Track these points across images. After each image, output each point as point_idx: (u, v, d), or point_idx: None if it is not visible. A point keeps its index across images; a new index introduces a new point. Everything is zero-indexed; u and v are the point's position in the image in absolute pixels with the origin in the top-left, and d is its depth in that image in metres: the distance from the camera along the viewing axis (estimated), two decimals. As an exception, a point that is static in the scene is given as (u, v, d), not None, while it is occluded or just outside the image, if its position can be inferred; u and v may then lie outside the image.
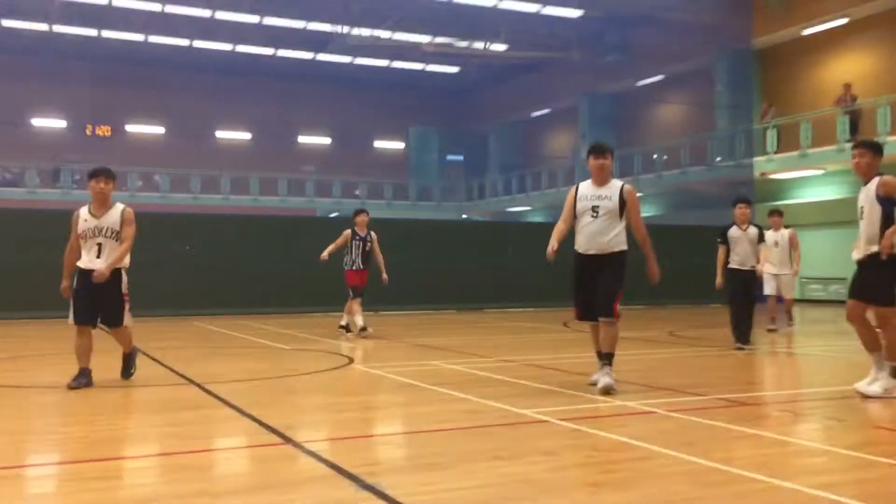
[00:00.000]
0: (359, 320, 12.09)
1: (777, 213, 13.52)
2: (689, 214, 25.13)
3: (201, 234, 18.64)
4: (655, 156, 30.87)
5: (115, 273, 6.95)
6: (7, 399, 6.68)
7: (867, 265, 6.33)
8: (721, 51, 29.11)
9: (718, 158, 28.09)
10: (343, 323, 12.48)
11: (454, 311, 19.55)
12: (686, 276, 18.50)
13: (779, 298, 13.27)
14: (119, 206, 7.10)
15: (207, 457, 4.70)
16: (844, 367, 8.94)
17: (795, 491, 3.70)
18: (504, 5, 31.30)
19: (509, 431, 5.12)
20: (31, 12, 31.67)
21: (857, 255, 6.44)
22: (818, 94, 26.10)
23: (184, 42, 35.26)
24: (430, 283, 19.76)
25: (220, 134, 41.04)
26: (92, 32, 33.86)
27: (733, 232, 10.47)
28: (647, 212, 24.90)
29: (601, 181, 6.78)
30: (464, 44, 35.26)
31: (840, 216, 20.82)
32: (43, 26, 32.82)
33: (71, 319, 6.96)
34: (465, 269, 20.31)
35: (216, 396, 6.52)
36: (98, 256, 6.93)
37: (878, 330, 6.39)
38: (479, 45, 35.50)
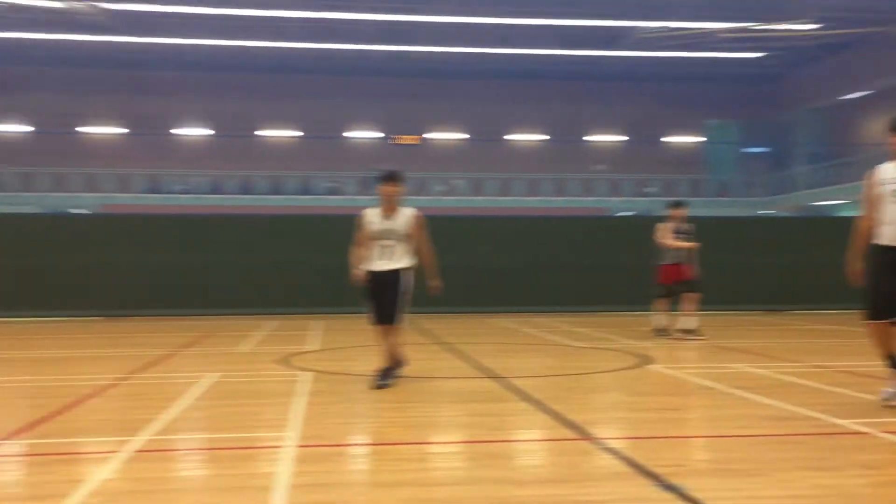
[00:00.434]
0: (681, 322, 11.37)
1: None
2: None
3: (495, 236, 19.31)
4: None
5: (396, 274, 7.03)
6: (335, 385, 7.46)
7: None
8: None
9: None
10: (690, 326, 11.39)
11: (752, 313, 18.47)
12: None
13: None
14: (408, 210, 7.16)
15: (510, 447, 4.93)
16: None
17: None
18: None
19: (823, 441, 4.78)
20: (345, 33, 34.99)
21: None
22: None
23: (484, 50, 36.77)
24: (726, 281, 18.84)
25: (514, 137, 42.32)
26: (402, 48, 36.53)
27: None
28: None
29: None
30: (765, 27, 33.13)
31: None
32: (356, 46, 36.06)
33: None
34: (764, 268, 19.06)
35: (515, 390, 6.78)
36: (386, 258, 7.02)
37: None
38: (782, 26, 33.15)
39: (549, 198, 37.12)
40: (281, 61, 38.23)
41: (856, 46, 34.34)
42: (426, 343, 11.34)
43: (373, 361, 7.85)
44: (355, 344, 11.08)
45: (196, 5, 31.66)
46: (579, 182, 37.87)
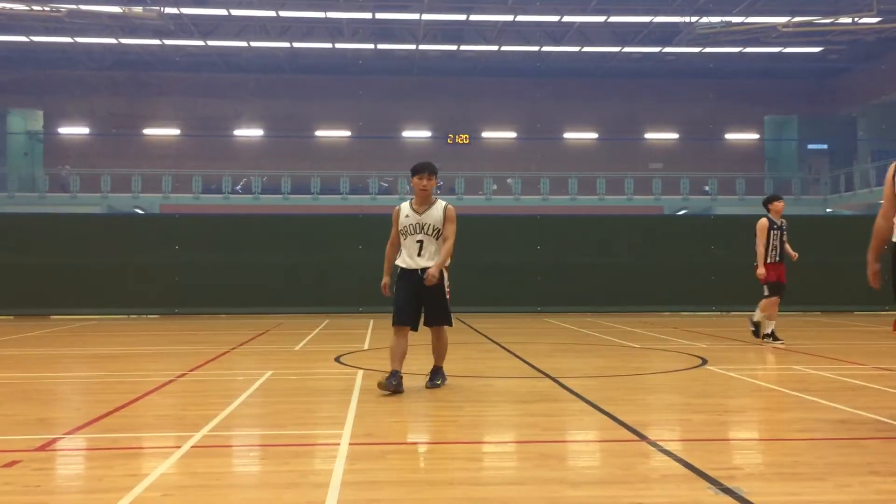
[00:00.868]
0: (770, 324, 10.63)
1: None
2: None
3: (548, 235, 19.20)
4: None
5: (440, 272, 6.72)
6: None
7: None
8: None
9: None
10: (767, 330, 10.69)
11: (812, 314, 18.04)
12: None
13: None
14: (441, 203, 6.83)
15: (564, 447, 4.89)
16: None
17: None
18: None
19: (887, 446, 4.63)
20: (400, 34, 35.18)
21: None
22: None
23: (539, 48, 36.62)
24: (791, 282, 18.44)
25: (568, 135, 42.02)
26: (455, 48, 36.60)
27: None
28: None
29: None
30: (826, 21, 32.31)
31: None
32: (409, 46, 36.25)
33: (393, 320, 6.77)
34: (825, 268, 18.57)
35: (570, 390, 6.73)
36: (419, 254, 6.69)
37: None
38: (845, 20, 32.30)
39: (604, 196, 36.78)
40: (335, 62, 38.62)
41: (921, 39, 33.34)
42: (481, 342, 11.32)
43: (420, 360, 7.86)
44: (408, 343, 11.10)
45: (251, 8, 32.16)
46: (635, 181, 37.43)
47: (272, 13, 32.27)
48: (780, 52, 37.31)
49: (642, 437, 4.84)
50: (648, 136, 42.02)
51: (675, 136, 41.93)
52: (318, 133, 41.12)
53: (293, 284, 18.00)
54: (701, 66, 38.38)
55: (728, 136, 42.03)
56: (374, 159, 39.15)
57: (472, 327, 14.10)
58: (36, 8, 30.75)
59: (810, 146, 40.49)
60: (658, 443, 4.69)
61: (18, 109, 38.89)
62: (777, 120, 40.60)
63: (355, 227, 18.62)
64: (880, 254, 5.31)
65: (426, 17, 32.88)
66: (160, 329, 14.69)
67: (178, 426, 5.30)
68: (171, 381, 7.42)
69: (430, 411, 6.01)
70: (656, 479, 3.92)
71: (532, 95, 39.76)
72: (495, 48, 36.58)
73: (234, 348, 10.57)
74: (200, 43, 35.41)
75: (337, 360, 9.12)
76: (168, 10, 31.39)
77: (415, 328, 6.78)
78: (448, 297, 6.79)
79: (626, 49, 37.10)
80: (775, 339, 10.58)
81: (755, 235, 10.55)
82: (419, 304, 6.71)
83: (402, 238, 6.76)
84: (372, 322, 14.93)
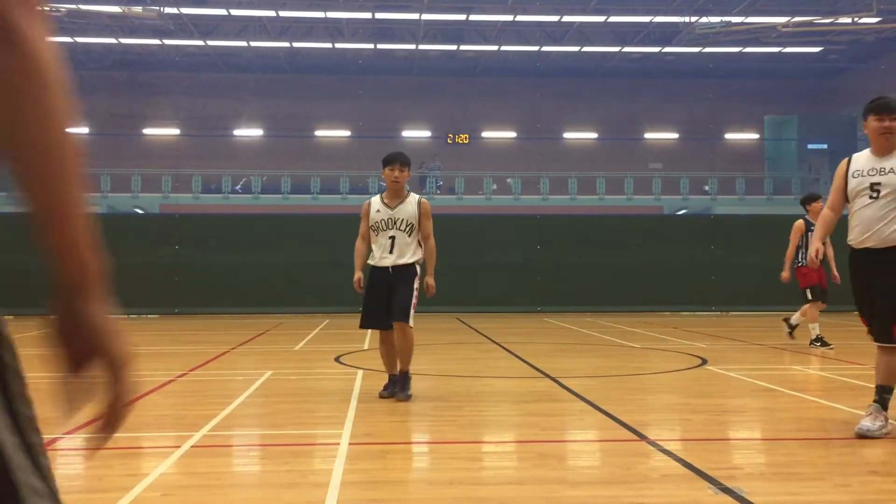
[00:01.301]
0: (816, 328, 10.09)
1: None
2: None
3: (548, 235, 19.23)
4: None
5: (411, 268, 6.28)
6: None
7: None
8: None
9: None
10: (813, 336, 10.13)
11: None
12: None
13: None
14: (414, 197, 6.44)
15: (564, 447, 4.89)
16: None
17: None
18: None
19: (887, 446, 4.64)
20: (400, 34, 35.19)
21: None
22: None
23: (533, 48, 36.69)
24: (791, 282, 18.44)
25: (568, 135, 42.02)
26: (451, 47, 36.63)
27: None
28: None
29: (885, 149, 5.06)
30: (827, 20, 32.32)
31: None
32: (409, 46, 36.25)
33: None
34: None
35: (570, 390, 6.73)
36: (390, 252, 6.26)
37: None
38: (845, 20, 32.32)
39: (604, 196, 36.79)
40: (335, 62, 38.63)
41: (921, 39, 33.34)
42: (480, 342, 11.33)
43: (423, 360, 7.87)
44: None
45: (251, 8, 32.17)
46: (635, 181, 37.44)
47: (272, 13, 32.25)
48: (780, 52, 37.30)
49: (642, 437, 4.84)
50: (648, 136, 42.01)
51: (675, 136, 41.93)
52: (318, 133, 41.10)
53: (293, 284, 18.00)
54: (701, 66, 38.37)
55: (728, 135, 42.03)
56: (374, 159, 38.75)
57: (472, 327, 14.10)
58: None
59: (810, 146, 40.46)
60: (658, 443, 4.69)
61: (18, 109, 38.78)
62: (777, 120, 40.60)
63: (355, 227, 18.55)
64: (824, 237, 5.55)
65: (426, 17, 32.86)
66: (160, 329, 14.69)
67: (178, 426, 5.31)
68: (170, 381, 7.42)
69: (430, 411, 6.01)
70: (656, 479, 3.92)
71: (532, 95, 39.73)
72: (495, 48, 36.57)
73: (233, 348, 10.57)
74: (200, 43, 35.39)
75: (337, 360, 9.12)
76: (168, 9, 31.36)
77: (388, 328, 6.27)
78: (416, 295, 6.24)
79: (626, 49, 37.07)
80: (824, 343, 9.96)
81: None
82: (389, 304, 6.20)
83: (372, 234, 6.36)
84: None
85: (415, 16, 33.02)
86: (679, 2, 31.29)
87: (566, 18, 33.22)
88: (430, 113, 40.49)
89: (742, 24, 32.73)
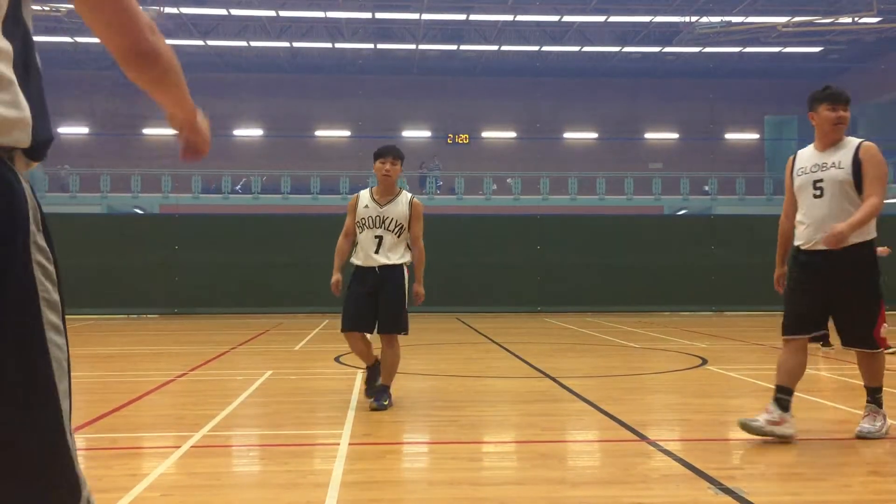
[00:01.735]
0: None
1: None
2: None
3: (548, 236, 19.23)
4: None
5: (399, 270, 5.91)
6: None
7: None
8: None
9: None
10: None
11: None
12: None
13: None
14: (406, 196, 6.00)
15: (564, 447, 4.89)
16: None
17: None
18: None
19: (888, 446, 4.63)
20: (400, 34, 35.18)
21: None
22: None
23: (533, 48, 36.69)
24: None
25: (568, 135, 42.01)
26: (451, 47, 36.61)
27: None
28: None
29: (832, 141, 4.85)
30: (827, 20, 32.32)
31: None
32: (409, 46, 36.24)
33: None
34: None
35: (570, 390, 6.73)
36: (377, 252, 5.86)
37: None
38: (845, 20, 32.32)
39: (604, 196, 36.78)
40: (335, 62, 38.61)
41: (921, 39, 33.34)
42: (481, 342, 11.33)
43: (420, 360, 7.86)
44: (403, 343, 11.12)
45: (251, 8, 32.15)
46: (635, 181, 37.43)
47: (272, 13, 32.24)
48: (780, 52, 37.31)
49: (642, 437, 4.84)
50: (648, 135, 41.99)
51: (675, 135, 41.92)
52: (318, 133, 41.09)
53: (293, 284, 18.00)
54: (701, 66, 38.38)
55: (728, 135, 42.03)
56: (372, 159, 39.07)
57: (472, 327, 14.10)
58: (36, 8, 30.73)
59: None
60: (658, 443, 4.69)
61: (18, 109, 38.78)
62: (777, 120, 40.62)
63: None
64: (785, 257, 5.14)
65: (426, 16, 32.85)
66: (160, 329, 14.69)
67: (178, 426, 5.30)
68: (170, 381, 7.42)
69: (430, 411, 6.00)
70: (656, 479, 3.92)
71: (532, 95, 39.72)
72: (495, 48, 36.56)
73: (233, 348, 10.56)
74: (200, 42, 35.38)
75: (337, 360, 9.12)
76: (168, 9, 31.36)
77: (370, 331, 5.97)
78: (406, 301, 5.97)
79: (626, 49, 37.07)
80: (825, 343, 9.57)
81: None
82: (375, 306, 5.87)
83: (358, 231, 5.95)
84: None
85: (415, 16, 33.00)
86: (679, 2, 31.28)
87: (566, 18, 33.22)
88: (430, 113, 40.48)
89: (742, 24, 32.72)
